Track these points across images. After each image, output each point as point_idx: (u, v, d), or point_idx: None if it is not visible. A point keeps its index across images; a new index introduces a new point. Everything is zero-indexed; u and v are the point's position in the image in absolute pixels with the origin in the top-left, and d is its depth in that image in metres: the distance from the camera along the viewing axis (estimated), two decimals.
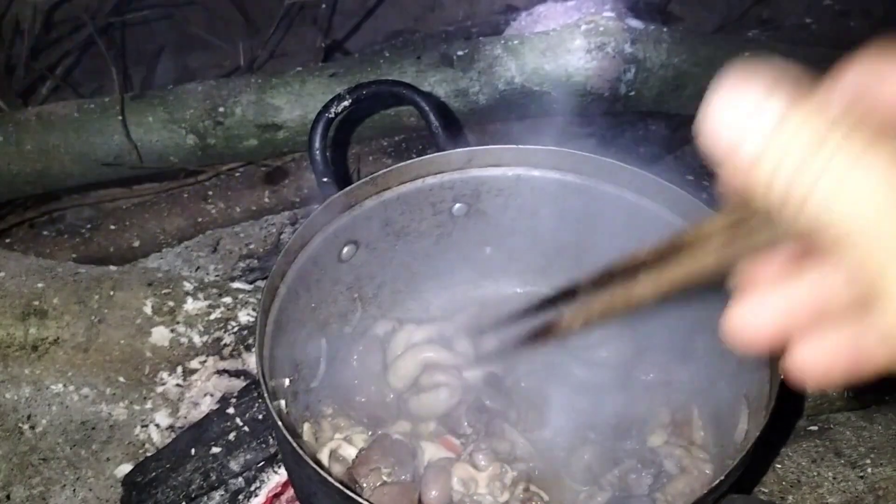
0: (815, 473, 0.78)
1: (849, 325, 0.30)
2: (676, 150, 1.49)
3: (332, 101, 0.76)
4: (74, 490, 0.89)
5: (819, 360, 0.31)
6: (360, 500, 0.52)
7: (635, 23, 1.31)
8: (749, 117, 0.28)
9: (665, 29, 1.31)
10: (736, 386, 0.70)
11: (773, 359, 0.63)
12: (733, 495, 0.56)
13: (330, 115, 0.75)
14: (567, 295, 0.45)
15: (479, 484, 0.69)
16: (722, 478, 0.53)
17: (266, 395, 0.60)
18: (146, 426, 0.93)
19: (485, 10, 1.61)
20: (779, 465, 0.79)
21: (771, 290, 0.32)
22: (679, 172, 1.10)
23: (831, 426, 0.85)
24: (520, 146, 0.79)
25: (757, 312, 0.32)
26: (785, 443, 0.81)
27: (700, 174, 1.05)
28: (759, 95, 0.28)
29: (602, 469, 0.72)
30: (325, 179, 0.77)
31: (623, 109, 1.35)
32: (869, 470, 0.78)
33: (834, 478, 0.77)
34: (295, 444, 0.55)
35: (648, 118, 1.43)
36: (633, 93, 1.30)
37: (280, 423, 0.57)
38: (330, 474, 0.53)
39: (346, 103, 0.76)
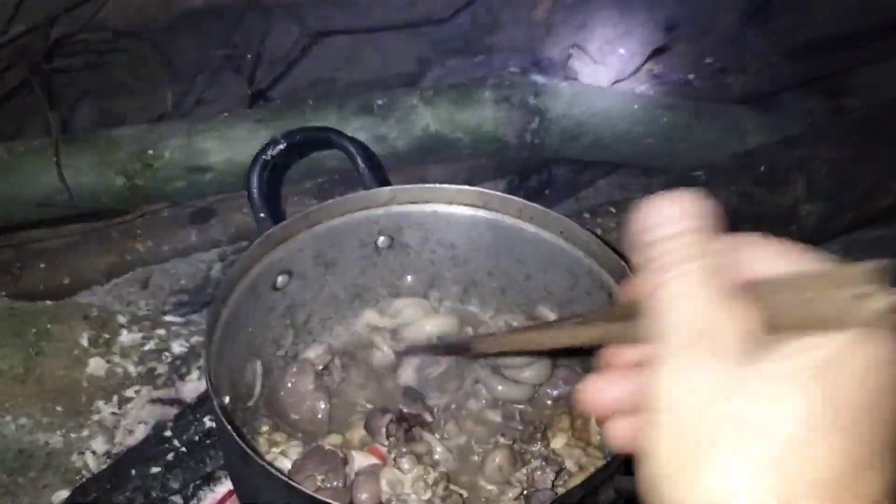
0: None
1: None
2: (578, 192, 1.63)
3: (268, 144, 0.84)
4: None
5: (621, 435, 0.42)
6: (304, 490, 0.60)
7: (538, 77, 1.45)
8: (653, 232, 0.37)
9: (564, 83, 1.46)
10: None
11: None
12: (621, 476, 0.66)
13: (266, 157, 0.84)
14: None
15: (404, 485, 0.77)
16: (609, 459, 0.64)
17: (215, 403, 0.67)
18: (83, 453, 0.97)
19: (401, 62, 1.73)
20: None
21: (616, 379, 0.43)
22: (578, 210, 1.22)
23: None
24: (436, 185, 0.89)
25: (601, 391, 0.43)
26: None
27: (594, 213, 1.17)
28: (664, 218, 0.37)
29: (512, 469, 0.81)
30: (261, 215, 0.84)
31: (530, 155, 1.48)
32: None
33: None
34: (243, 444, 0.62)
35: (553, 163, 1.56)
36: (537, 140, 1.43)
37: (228, 427, 0.64)
38: (276, 469, 0.61)
39: (281, 147, 0.84)
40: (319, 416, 0.87)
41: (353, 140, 0.88)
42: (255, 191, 0.83)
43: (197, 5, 1.56)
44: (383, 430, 0.78)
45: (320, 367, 0.90)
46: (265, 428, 0.86)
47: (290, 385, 0.87)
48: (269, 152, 0.84)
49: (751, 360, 0.32)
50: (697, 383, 0.32)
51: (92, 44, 1.57)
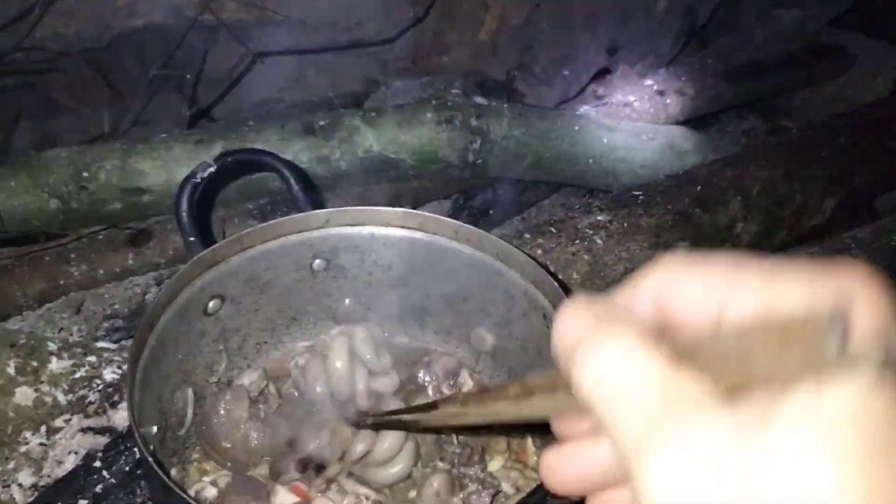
0: None
1: (621, 491, 0.35)
2: (522, 212, 1.65)
3: (198, 167, 0.83)
4: None
5: None
6: None
7: (480, 99, 1.46)
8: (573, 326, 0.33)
9: (506, 105, 1.47)
10: None
11: None
12: (551, 500, 0.66)
13: (196, 180, 0.82)
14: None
15: None
16: (540, 483, 0.64)
17: (137, 436, 0.65)
18: (8, 486, 0.93)
19: (347, 83, 1.73)
20: None
21: (571, 449, 0.37)
22: (521, 230, 1.23)
23: None
24: (372, 207, 0.89)
25: (559, 463, 0.37)
26: None
27: (535, 233, 1.18)
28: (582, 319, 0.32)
29: (450, 494, 0.80)
30: (191, 239, 0.83)
31: (473, 176, 1.49)
32: None
33: None
34: (164, 476, 0.61)
35: (497, 183, 1.57)
36: (480, 161, 1.44)
37: (150, 458, 0.62)
38: (196, 502, 0.59)
39: (211, 169, 0.83)
40: (252, 444, 0.85)
41: (286, 162, 0.88)
42: (184, 214, 0.82)
43: (137, 24, 1.54)
44: (293, 472, 0.77)
45: (255, 394, 0.89)
46: (196, 456, 0.84)
47: (222, 412, 0.85)
48: (200, 175, 0.82)
49: (754, 425, 0.26)
50: (698, 473, 0.26)
51: (29, 63, 1.54)
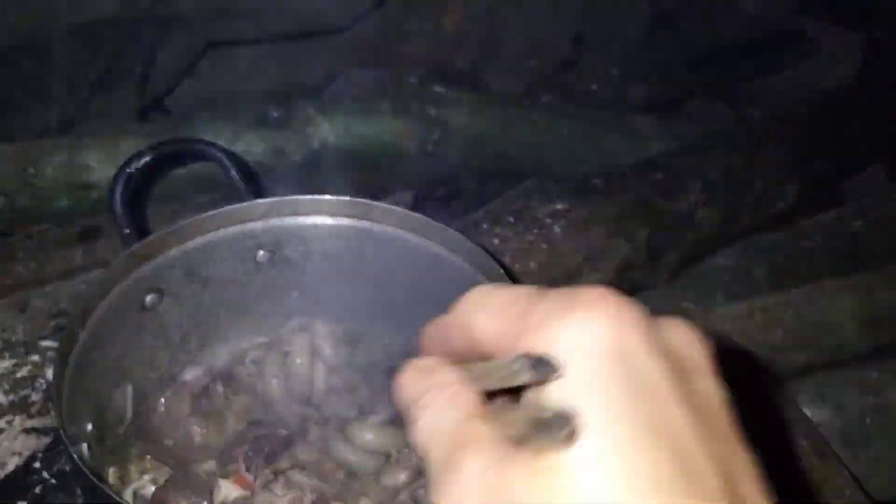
0: None
1: None
2: (485, 203, 1.63)
3: (132, 157, 0.80)
4: None
5: None
6: None
7: (439, 88, 1.44)
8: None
9: (465, 94, 1.45)
10: None
11: None
12: None
13: (130, 171, 0.80)
14: None
15: None
16: None
17: (64, 438, 0.63)
18: None
19: (304, 73, 1.70)
20: None
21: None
22: (478, 220, 1.21)
23: None
24: (316, 196, 0.87)
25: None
26: None
27: (493, 223, 1.16)
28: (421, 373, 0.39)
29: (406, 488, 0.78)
30: (126, 231, 0.80)
31: (433, 167, 1.47)
32: None
33: None
34: (92, 477, 0.58)
35: (459, 174, 1.55)
36: (440, 152, 1.42)
37: (76, 458, 0.60)
38: (119, 495, 0.57)
39: (146, 159, 0.80)
40: (196, 440, 0.83)
41: (224, 151, 0.85)
42: (118, 205, 0.79)
43: (88, 17, 1.50)
44: (241, 461, 0.75)
45: (198, 390, 0.86)
46: (135, 453, 0.82)
47: (162, 410, 0.82)
48: (134, 165, 0.80)
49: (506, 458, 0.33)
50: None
51: None
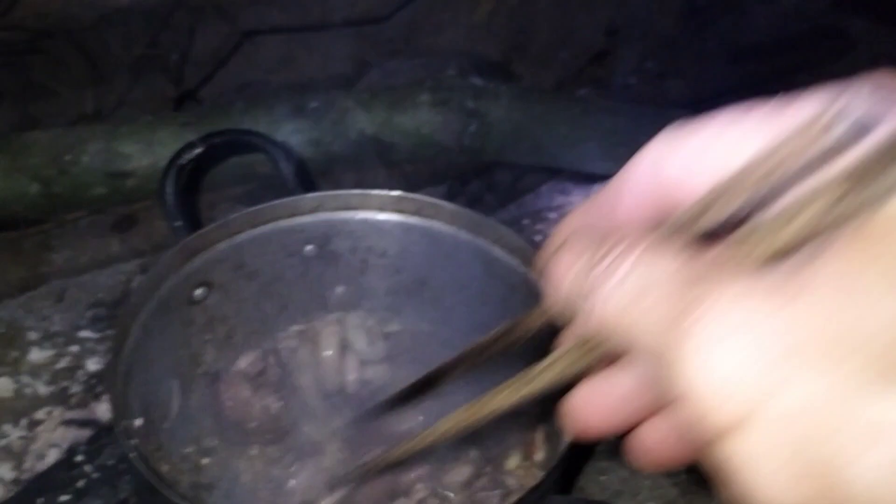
0: (635, 483, 0.87)
1: (667, 414, 0.32)
2: (519, 198, 1.61)
3: (184, 148, 0.79)
4: None
5: (649, 446, 0.33)
6: None
7: (477, 80, 1.42)
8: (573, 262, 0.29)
9: (504, 86, 1.43)
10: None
11: None
12: (554, 496, 0.62)
13: (181, 162, 0.78)
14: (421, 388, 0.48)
15: None
16: (543, 476, 0.60)
17: (120, 430, 0.62)
18: None
19: (338, 64, 1.68)
20: (603, 477, 0.88)
21: (600, 382, 0.33)
22: (518, 216, 1.19)
23: None
24: (366, 191, 0.85)
25: (589, 401, 0.33)
26: (609, 457, 0.90)
27: (535, 219, 1.15)
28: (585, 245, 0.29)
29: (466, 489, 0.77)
30: (177, 224, 0.79)
31: (469, 160, 1.45)
32: (682, 477, 0.88)
33: (651, 486, 0.87)
34: (150, 472, 0.57)
35: (493, 168, 1.53)
36: (476, 145, 1.40)
37: (134, 452, 0.59)
38: (182, 496, 0.56)
39: (197, 151, 0.79)
40: (273, 411, 0.82)
41: (276, 143, 0.84)
42: (169, 197, 0.78)
43: (122, 4, 1.49)
44: None
45: (254, 373, 0.85)
46: (183, 450, 0.81)
47: (229, 403, 0.81)
48: (186, 157, 0.78)
49: (790, 277, 0.22)
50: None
51: (9, 44, 1.49)
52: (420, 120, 1.33)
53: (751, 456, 0.21)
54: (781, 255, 0.23)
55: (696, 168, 0.28)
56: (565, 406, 0.34)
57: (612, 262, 0.27)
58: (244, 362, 0.83)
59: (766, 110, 0.27)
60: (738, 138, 0.27)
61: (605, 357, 0.31)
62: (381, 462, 0.56)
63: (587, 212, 0.33)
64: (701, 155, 0.28)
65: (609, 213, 0.32)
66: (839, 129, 0.22)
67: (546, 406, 0.82)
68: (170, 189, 0.78)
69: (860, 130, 0.22)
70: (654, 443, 0.33)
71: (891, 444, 0.19)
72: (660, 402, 0.32)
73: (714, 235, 0.26)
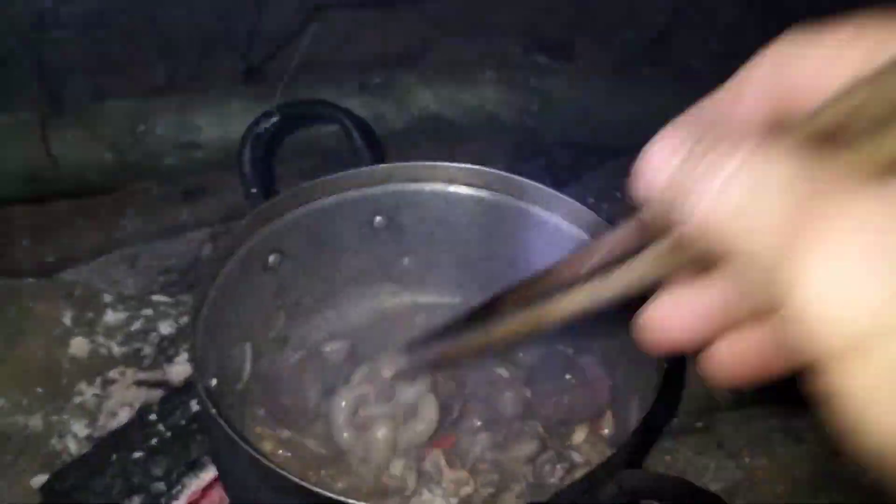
0: (700, 463, 0.87)
1: (758, 328, 0.30)
2: (579, 178, 1.60)
3: (261, 116, 0.80)
4: None
5: (731, 360, 0.31)
6: (291, 477, 0.56)
7: (541, 58, 1.41)
8: (671, 158, 0.27)
9: (568, 65, 1.42)
10: (632, 381, 0.77)
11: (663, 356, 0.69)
12: (625, 470, 0.63)
13: (259, 130, 0.80)
14: (489, 309, 0.45)
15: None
16: (614, 451, 0.60)
17: (199, 386, 0.63)
18: (63, 436, 0.93)
19: (400, 42, 1.68)
20: (668, 457, 0.87)
21: (684, 292, 0.31)
22: (582, 195, 1.18)
23: (715, 423, 0.94)
24: (436, 163, 0.86)
25: (672, 311, 0.31)
26: (673, 438, 0.89)
27: (600, 198, 1.14)
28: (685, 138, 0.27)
29: (531, 463, 0.77)
30: (252, 191, 0.81)
31: (530, 138, 1.44)
32: (746, 460, 0.87)
33: (716, 467, 0.86)
34: (229, 430, 0.59)
35: (555, 147, 1.52)
36: (538, 122, 1.39)
37: (214, 411, 0.61)
38: (262, 455, 0.57)
39: (274, 119, 0.80)
40: (310, 404, 0.83)
41: (349, 114, 0.85)
42: (246, 164, 0.80)
43: None
44: None
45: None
46: (254, 412, 0.83)
47: (285, 373, 0.83)
48: (263, 125, 0.80)
49: None
50: None
51: (83, 17, 1.52)
52: (483, 97, 1.33)
53: (865, 385, 0.20)
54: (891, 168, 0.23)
55: (826, 72, 0.26)
56: (643, 316, 0.32)
57: (720, 160, 0.24)
58: (329, 347, 0.84)
59: (885, 27, 0.25)
60: (872, 46, 0.25)
61: (693, 263, 0.29)
62: (452, 351, 0.53)
63: (701, 111, 0.30)
64: (833, 61, 0.26)
65: (726, 112, 0.29)
66: None
67: (615, 382, 0.83)
68: (247, 156, 0.80)
69: None
70: (735, 357, 0.31)
71: None
72: (750, 315, 0.29)
73: (833, 140, 0.24)
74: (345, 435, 0.76)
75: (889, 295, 0.19)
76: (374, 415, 0.77)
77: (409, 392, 0.77)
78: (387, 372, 0.78)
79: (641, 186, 0.28)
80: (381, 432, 0.74)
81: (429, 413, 0.77)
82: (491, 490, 0.75)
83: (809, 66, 0.27)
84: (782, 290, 0.22)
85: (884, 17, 0.26)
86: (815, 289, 0.21)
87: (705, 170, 0.24)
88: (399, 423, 0.75)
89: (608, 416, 0.80)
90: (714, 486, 0.85)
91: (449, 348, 0.51)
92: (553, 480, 0.74)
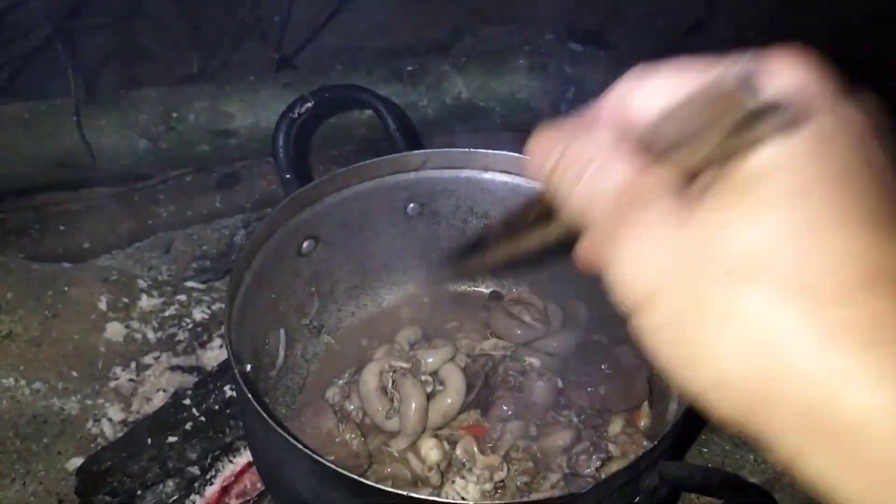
0: (738, 456, 0.85)
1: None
2: None
3: (295, 101, 0.80)
4: (24, 483, 0.89)
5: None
6: (323, 461, 0.56)
7: (575, 46, 1.39)
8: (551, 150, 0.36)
9: (602, 52, 1.40)
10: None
11: None
12: (666, 462, 0.61)
13: (293, 116, 0.79)
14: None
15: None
16: (655, 443, 0.59)
17: (235, 371, 0.63)
18: (98, 420, 0.94)
19: (431, 30, 1.67)
20: (705, 450, 0.86)
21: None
22: None
23: None
24: (471, 150, 0.85)
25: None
26: (711, 430, 0.88)
27: None
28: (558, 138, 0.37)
29: (566, 453, 0.76)
30: (287, 176, 0.80)
31: None
32: None
33: (755, 460, 0.84)
34: (264, 414, 0.59)
35: None
36: (573, 111, 1.37)
37: (249, 395, 0.60)
38: (295, 438, 0.57)
39: (309, 105, 0.80)
40: (354, 447, 0.79)
41: (384, 100, 0.84)
42: (280, 150, 0.79)
43: None
44: None
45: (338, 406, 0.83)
46: (285, 398, 0.83)
47: (309, 430, 0.80)
48: (297, 110, 0.79)
49: (696, 201, 0.31)
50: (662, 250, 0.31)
51: (116, 6, 1.53)
52: (517, 85, 1.31)
53: (649, 327, 0.31)
54: (692, 175, 0.32)
55: (653, 99, 0.35)
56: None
57: (581, 162, 0.34)
58: (330, 392, 0.82)
59: (701, 64, 0.34)
60: (681, 83, 0.34)
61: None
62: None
63: (572, 122, 0.39)
64: (657, 91, 0.35)
65: (589, 123, 0.39)
66: (741, 88, 0.29)
67: (652, 372, 0.81)
68: (281, 142, 0.80)
69: (752, 91, 0.29)
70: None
71: (739, 325, 0.29)
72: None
73: (653, 151, 0.33)
74: (378, 408, 0.75)
75: (665, 268, 0.31)
76: (404, 386, 0.76)
77: (433, 359, 0.78)
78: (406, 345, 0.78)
79: (531, 169, 0.37)
80: (413, 404, 0.74)
81: (455, 384, 0.76)
82: (525, 479, 0.74)
83: (643, 94, 0.35)
84: (604, 262, 0.32)
85: (707, 59, 0.33)
86: (621, 260, 0.32)
87: (569, 169, 0.35)
88: (427, 393, 0.75)
89: (645, 407, 0.79)
90: (753, 479, 0.83)
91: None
92: (589, 471, 0.73)
